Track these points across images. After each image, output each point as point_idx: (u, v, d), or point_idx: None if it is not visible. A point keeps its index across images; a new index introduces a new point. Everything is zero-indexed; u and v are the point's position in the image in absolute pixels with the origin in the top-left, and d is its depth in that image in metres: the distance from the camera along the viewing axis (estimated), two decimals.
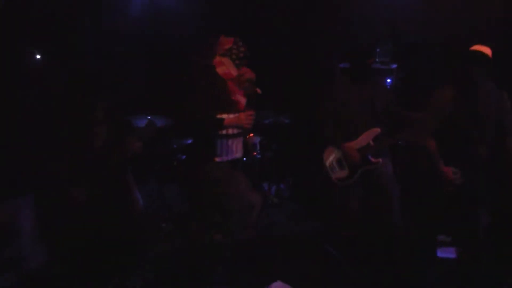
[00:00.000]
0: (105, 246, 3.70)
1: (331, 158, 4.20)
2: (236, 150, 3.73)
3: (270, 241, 4.50)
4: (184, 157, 5.33)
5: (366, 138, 4.09)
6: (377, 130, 4.06)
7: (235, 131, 3.66)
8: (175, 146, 5.37)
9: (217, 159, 3.66)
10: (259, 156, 5.60)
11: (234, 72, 3.68)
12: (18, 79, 4.48)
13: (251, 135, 4.23)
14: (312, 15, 5.95)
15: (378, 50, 5.39)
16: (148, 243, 4.54)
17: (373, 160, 4.05)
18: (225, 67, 3.66)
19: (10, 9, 4.58)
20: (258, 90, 3.64)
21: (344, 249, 4.16)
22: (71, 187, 3.54)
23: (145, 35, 6.13)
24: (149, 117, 5.06)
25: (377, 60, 5.35)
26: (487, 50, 3.49)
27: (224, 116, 3.58)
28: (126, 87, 5.49)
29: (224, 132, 3.61)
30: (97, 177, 3.59)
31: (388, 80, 5.35)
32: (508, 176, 3.68)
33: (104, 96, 3.75)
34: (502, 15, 4.99)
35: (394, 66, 5.37)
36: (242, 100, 3.70)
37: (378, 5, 5.67)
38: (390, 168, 4.12)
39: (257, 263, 4.06)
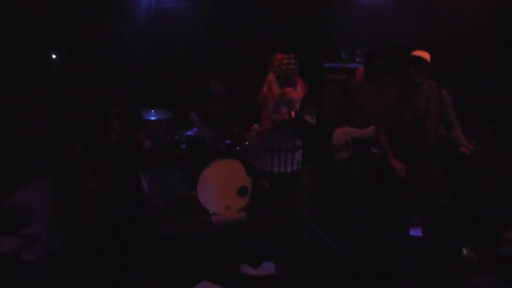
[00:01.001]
0: (115, 228, 3.93)
1: (340, 139, 4.59)
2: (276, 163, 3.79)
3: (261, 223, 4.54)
4: (184, 146, 5.65)
5: (372, 131, 4.42)
6: None
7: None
8: (176, 137, 5.69)
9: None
10: None
11: (276, 90, 3.58)
12: (42, 77, 4.84)
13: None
14: (303, 22, 6.21)
15: (358, 51, 5.67)
16: (153, 225, 4.75)
17: (373, 150, 4.41)
18: (269, 85, 3.65)
19: (31, 14, 4.85)
20: (292, 114, 3.46)
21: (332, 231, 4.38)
22: (87, 174, 3.83)
23: (153, 38, 6.49)
24: (153, 110, 5.48)
25: (357, 60, 5.65)
26: (425, 55, 3.76)
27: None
28: (135, 84, 5.76)
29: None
30: (110, 166, 3.88)
31: None
32: (457, 161, 3.97)
33: (118, 94, 4.00)
34: (477, 20, 5.27)
35: None
36: (266, 122, 3.72)
37: (362, 14, 5.94)
38: None
39: (249, 244, 4.23)
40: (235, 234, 4.74)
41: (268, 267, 4.08)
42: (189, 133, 5.71)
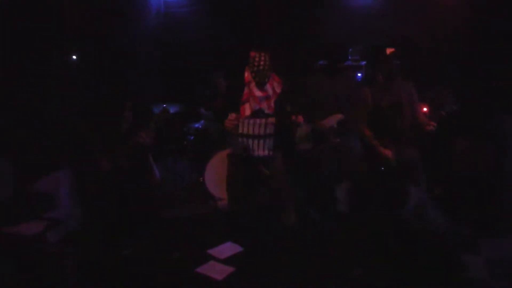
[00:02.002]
0: (128, 209, 4.13)
1: (300, 133, 4.73)
2: (251, 148, 3.95)
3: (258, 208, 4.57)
4: (192, 138, 5.94)
5: (331, 121, 4.69)
6: (341, 116, 4.67)
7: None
8: (185, 129, 5.99)
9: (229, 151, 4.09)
10: None
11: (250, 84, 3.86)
12: (61, 75, 5.13)
13: None
14: (297, 22, 6.50)
15: (350, 49, 5.88)
16: (163, 207, 4.98)
17: (333, 140, 4.64)
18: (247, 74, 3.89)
19: (48, 17, 5.10)
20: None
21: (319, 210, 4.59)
22: (100, 159, 4.07)
23: (161, 40, 6.82)
24: (164, 105, 5.73)
25: (349, 58, 5.85)
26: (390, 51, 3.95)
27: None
28: (147, 81, 6.12)
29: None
30: (123, 152, 4.10)
31: (359, 75, 5.84)
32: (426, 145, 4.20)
33: (132, 89, 4.31)
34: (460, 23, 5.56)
35: (363, 63, 5.85)
36: (246, 111, 3.91)
37: (353, 14, 6.23)
38: (357, 146, 4.57)
39: (245, 227, 4.37)
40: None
41: (231, 247, 4.16)
42: (196, 125, 5.97)
